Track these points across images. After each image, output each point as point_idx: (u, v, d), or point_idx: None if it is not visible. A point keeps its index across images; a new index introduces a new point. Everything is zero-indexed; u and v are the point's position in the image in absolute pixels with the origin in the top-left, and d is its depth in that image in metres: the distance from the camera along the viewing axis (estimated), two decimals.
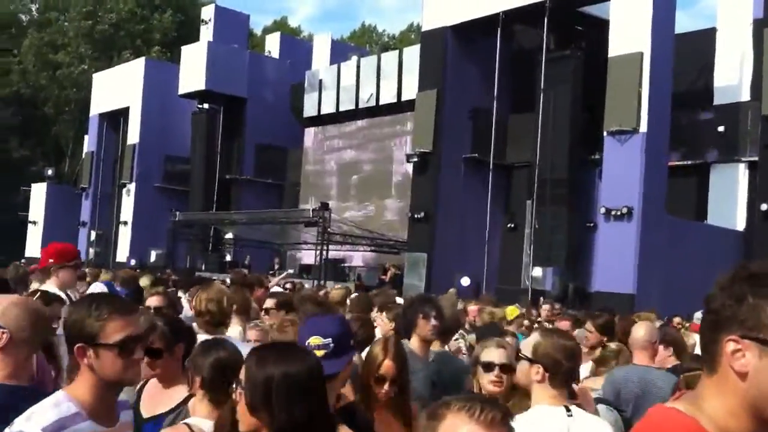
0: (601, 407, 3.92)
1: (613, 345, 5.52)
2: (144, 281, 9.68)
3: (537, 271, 23.03)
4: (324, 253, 25.71)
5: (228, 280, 9.66)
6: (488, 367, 3.40)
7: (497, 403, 1.65)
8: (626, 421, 4.10)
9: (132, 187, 38.30)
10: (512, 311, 9.54)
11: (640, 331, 5.08)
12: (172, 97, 37.65)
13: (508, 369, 3.38)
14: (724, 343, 1.42)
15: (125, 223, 38.33)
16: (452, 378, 4.44)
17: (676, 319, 10.33)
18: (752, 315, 1.40)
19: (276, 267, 29.13)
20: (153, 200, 37.46)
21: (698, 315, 12.41)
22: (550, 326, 7.73)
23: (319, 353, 2.61)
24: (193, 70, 36.42)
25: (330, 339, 2.69)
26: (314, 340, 2.68)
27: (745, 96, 22.53)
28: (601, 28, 22.43)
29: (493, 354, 3.44)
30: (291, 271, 25.96)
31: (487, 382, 3.39)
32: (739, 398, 1.42)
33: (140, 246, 35.78)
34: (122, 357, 2.21)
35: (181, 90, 37.13)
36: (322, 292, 11.84)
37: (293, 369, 2.12)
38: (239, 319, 5.26)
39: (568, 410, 3.01)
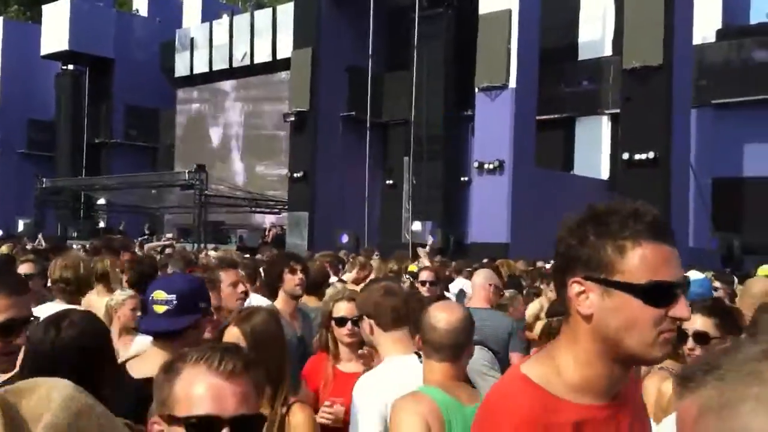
0: (476, 348, 4.08)
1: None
2: (3, 249, 9.40)
3: (416, 225, 23.47)
4: (203, 215, 25.31)
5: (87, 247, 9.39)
6: (341, 322, 3.39)
7: (240, 352, 1.52)
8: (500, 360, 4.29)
9: None
10: (412, 268, 10.04)
11: (479, 276, 5.56)
12: (34, 59, 35.69)
13: (358, 322, 3.26)
14: (570, 285, 1.37)
15: None
16: None
17: (539, 263, 10.98)
18: (594, 254, 1.34)
19: (146, 233, 28.04)
20: (17, 167, 35.64)
21: None
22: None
23: (161, 309, 2.55)
24: (55, 29, 34.56)
25: (174, 295, 2.54)
26: (157, 294, 2.57)
27: (608, 51, 23.54)
28: None
29: (342, 308, 3.40)
30: (170, 235, 25.37)
31: (343, 336, 3.39)
32: (589, 343, 1.37)
33: (6, 215, 33.85)
34: (1, 340, 1.94)
35: (44, 51, 35.28)
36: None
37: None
38: (104, 288, 5.00)
39: (419, 356, 3.09)
